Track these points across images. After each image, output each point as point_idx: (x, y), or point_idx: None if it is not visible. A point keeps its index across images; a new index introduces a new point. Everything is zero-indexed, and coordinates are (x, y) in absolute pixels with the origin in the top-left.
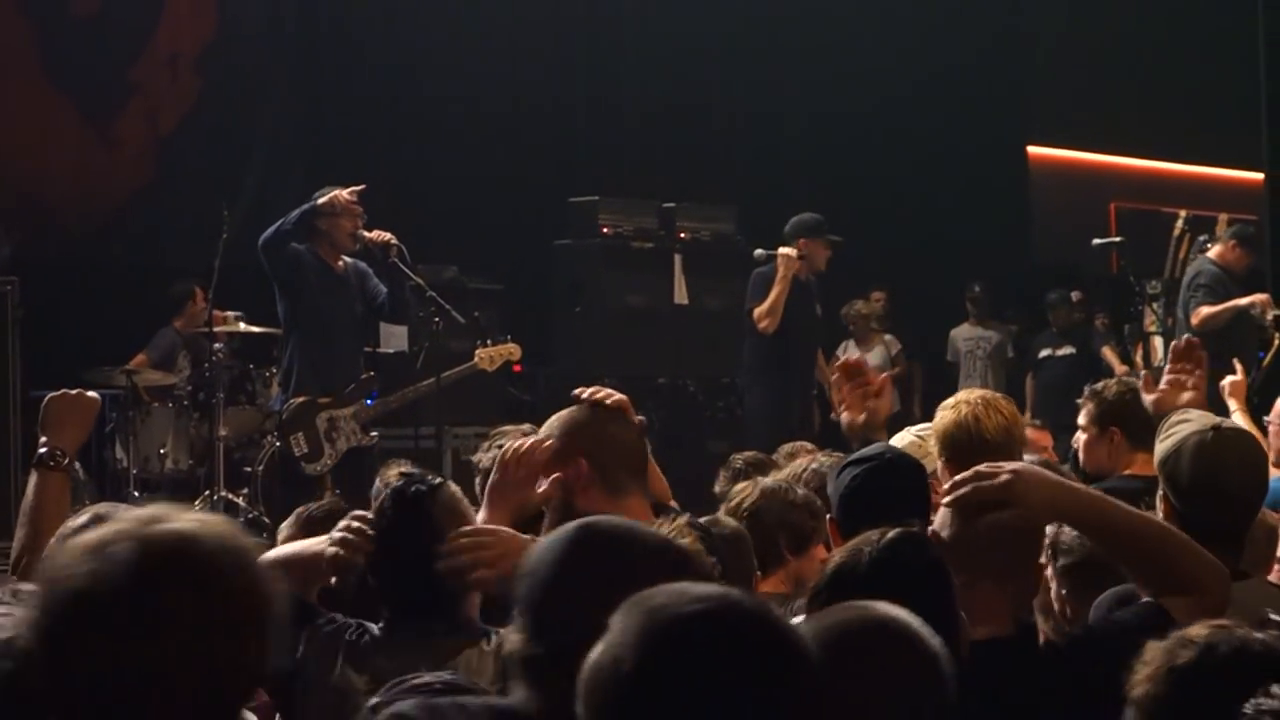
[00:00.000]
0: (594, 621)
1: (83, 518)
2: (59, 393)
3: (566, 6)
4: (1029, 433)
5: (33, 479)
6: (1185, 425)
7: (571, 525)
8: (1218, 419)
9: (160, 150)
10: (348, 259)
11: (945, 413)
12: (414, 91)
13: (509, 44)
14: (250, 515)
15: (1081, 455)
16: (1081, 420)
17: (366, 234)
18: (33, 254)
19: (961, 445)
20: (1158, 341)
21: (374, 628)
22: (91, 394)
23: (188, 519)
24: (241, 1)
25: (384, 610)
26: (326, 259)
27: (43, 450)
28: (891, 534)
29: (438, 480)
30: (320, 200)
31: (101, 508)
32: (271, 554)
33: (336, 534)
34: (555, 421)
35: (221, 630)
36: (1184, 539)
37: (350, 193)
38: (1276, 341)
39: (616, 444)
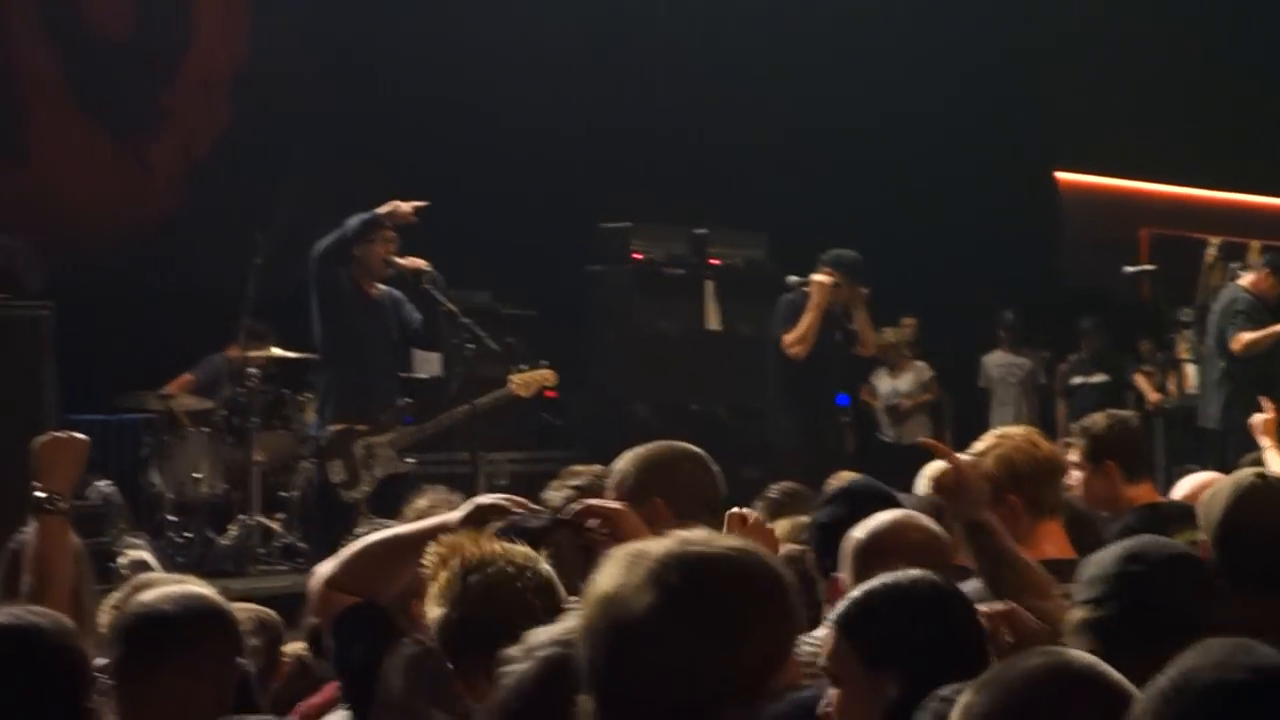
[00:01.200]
0: None
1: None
2: (48, 436)
3: (599, 33)
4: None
5: (33, 526)
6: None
7: None
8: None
9: (193, 175)
10: (381, 286)
11: (980, 445)
12: (446, 116)
13: (541, 69)
14: (285, 541)
15: (1080, 491)
16: (1074, 457)
17: (400, 260)
18: (67, 280)
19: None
20: (1190, 369)
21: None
22: (80, 435)
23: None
24: (274, 25)
25: None
26: (362, 285)
27: (39, 495)
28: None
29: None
30: (381, 211)
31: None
32: (368, 539)
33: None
34: (630, 459)
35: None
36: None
37: (413, 207)
38: None
39: (691, 482)
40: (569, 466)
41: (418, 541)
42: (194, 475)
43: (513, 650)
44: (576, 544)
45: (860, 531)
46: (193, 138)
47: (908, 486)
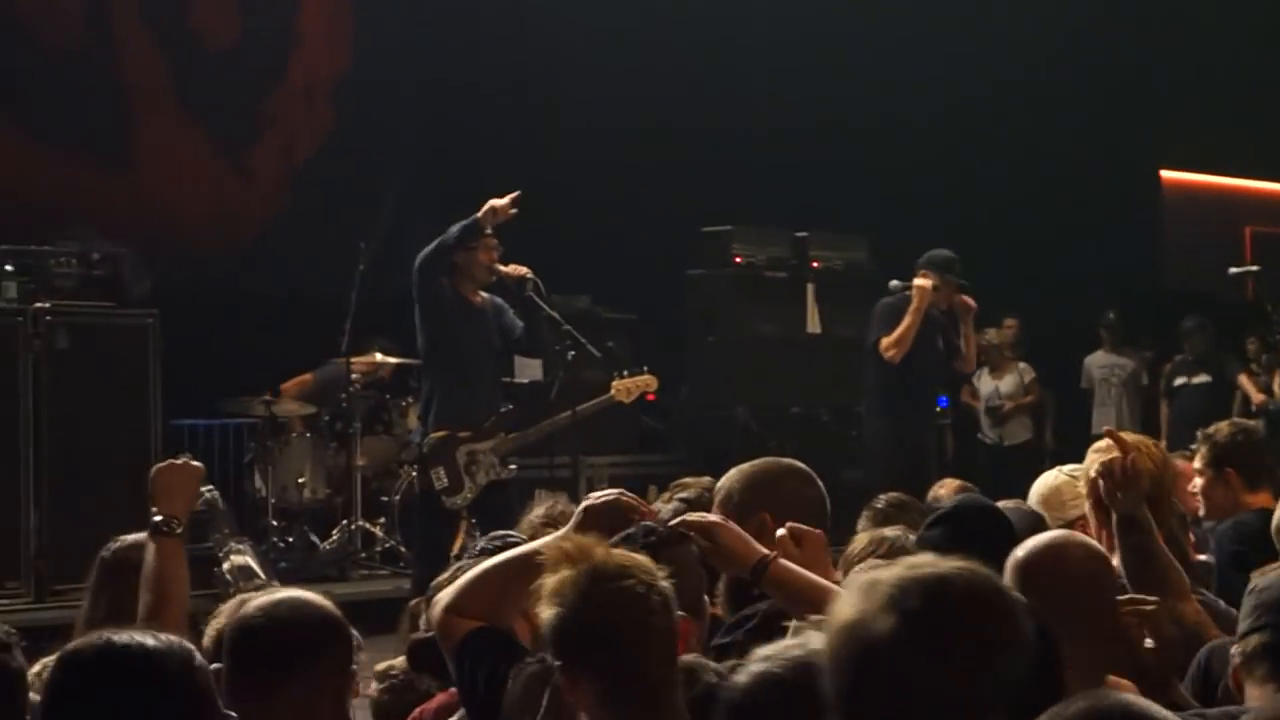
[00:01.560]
0: None
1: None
2: (165, 463)
3: (701, 37)
4: (1179, 464)
5: (150, 547)
6: None
7: None
8: None
9: (295, 181)
10: (484, 293)
11: (1094, 455)
12: (544, 121)
13: (641, 72)
14: (387, 545)
15: (1200, 498)
16: (1196, 464)
17: (502, 268)
18: (171, 286)
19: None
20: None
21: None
22: (196, 462)
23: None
24: (376, 32)
25: None
26: (464, 293)
27: (157, 519)
28: None
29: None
30: (480, 215)
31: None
32: (484, 565)
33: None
34: (735, 475)
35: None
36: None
37: (509, 200)
38: None
39: (796, 498)
40: (678, 479)
41: (535, 564)
42: (297, 480)
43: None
44: (698, 559)
45: (1022, 551)
46: (294, 143)
47: (1009, 488)
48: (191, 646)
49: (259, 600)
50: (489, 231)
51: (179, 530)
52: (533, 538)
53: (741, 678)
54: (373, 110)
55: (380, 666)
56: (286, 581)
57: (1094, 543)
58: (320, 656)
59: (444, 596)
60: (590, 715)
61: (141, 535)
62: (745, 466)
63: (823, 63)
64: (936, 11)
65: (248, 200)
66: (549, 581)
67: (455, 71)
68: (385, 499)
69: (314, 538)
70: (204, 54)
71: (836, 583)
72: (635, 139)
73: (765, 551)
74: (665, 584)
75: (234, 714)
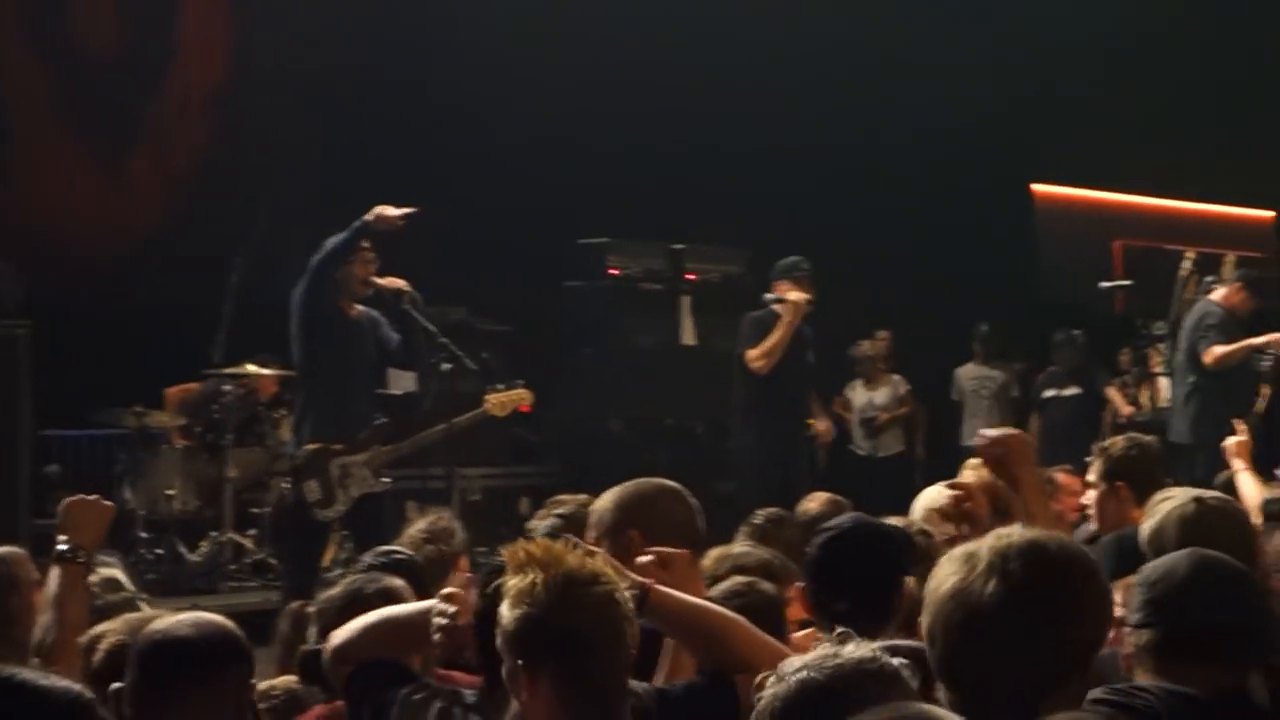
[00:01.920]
0: None
1: None
2: (77, 498)
3: (580, 50)
4: (1060, 478)
5: (54, 573)
6: (1167, 502)
7: None
8: (1198, 491)
9: (172, 192)
10: (360, 306)
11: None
12: (425, 134)
13: (520, 87)
14: (257, 558)
15: (1092, 511)
16: (1091, 476)
17: (379, 280)
18: (44, 295)
19: None
20: (1163, 382)
21: (467, 694)
22: (108, 503)
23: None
24: (254, 44)
25: (482, 677)
26: (341, 305)
27: (63, 547)
28: None
29: None
30: (368, 217)
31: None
32: (375, 616)
33: (439, 619)
34: (609, 496)
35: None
36: (741, 626)
37: (400, 213)
38: (1265, 392)
39: (666, 517)
40: (555, 494)
41: (423, 624)
42: (167, 492)
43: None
44: None
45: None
46: (172, 155)
47: (882, 501)
48: (86, 691)
49: (169, 618)
50: (365, 245)
51: (82, 560)
52: (415, 550)
53: (781, 686)
54: (250, 121)
55: (261, 686)
56: (154, 594)
57: (1073, 541)
58: (227, 672)
59: (337, 637)
60: (545, 717)
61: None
62: (620, 487)
63: (699, 76)
64: (811, 27)
65: (124, 212)
66: (514, 582)
67: (333, 84)
68: (256, 511)
69: (183, 550)
70: (83, 65)
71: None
72: (513, 150)
73: (642, 581)
74: (627, 594)
75: None
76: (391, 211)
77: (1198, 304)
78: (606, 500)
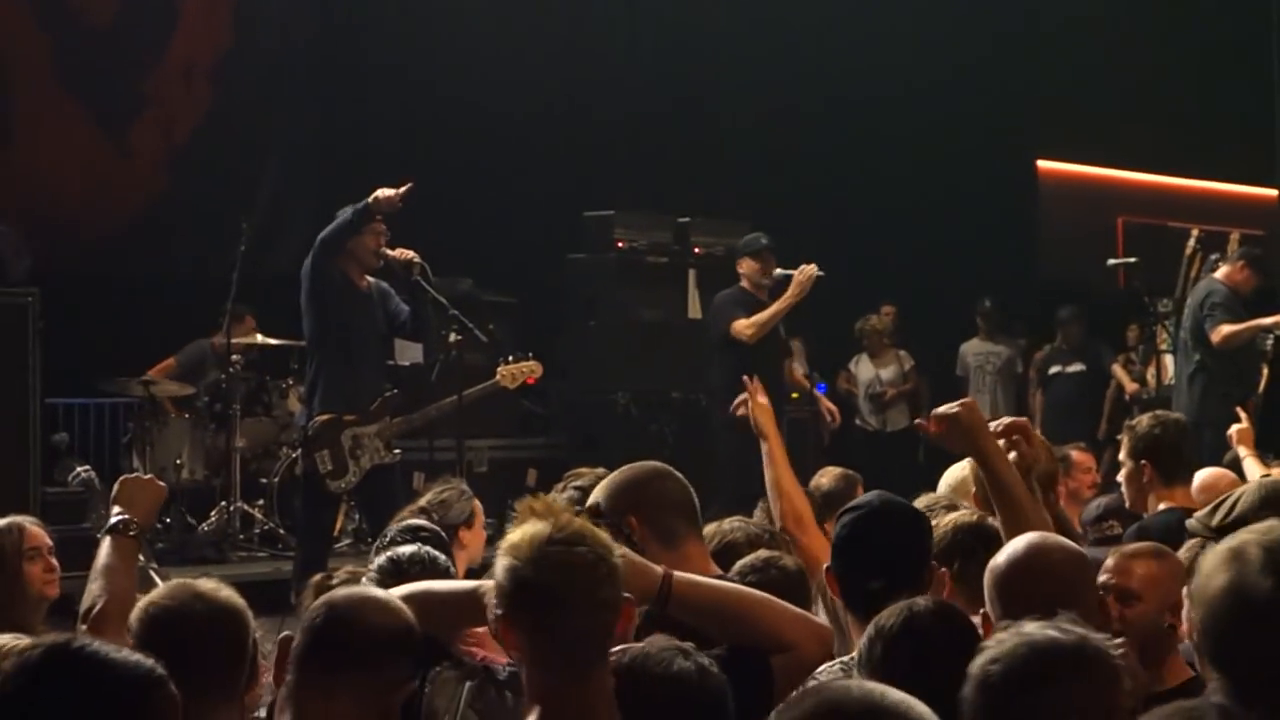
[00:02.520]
0: None
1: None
2: (133, 475)
3: (584, 21)
4: (1074, 455)
5: (106, 543)
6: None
7: None
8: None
9: (175, 161)
10: (370, 278)
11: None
12: (429, 103)
13: (526, 57)
14: (265, 527)
15: (1124, 489)
16: (1121, 455)
17: (390, 252)
18: (50, 265)
19: None
20: (1169, 360)
21: (500, 670)
22: (161, 483)
23: None
24: (257, 11)
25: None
26: (352, 277)
27: (116, 520)
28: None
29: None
30: (370, 200)
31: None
32: (413, 588)
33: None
34: (600, 487)
35: None
36: (771, 604)
37: (399, 193)
38: (1266, 371)
39: (661, 496)
40: (573, 468)
41: (467, 604)
42: (175, 461)
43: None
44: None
45: (1002, 558)
46: (174, 124)
47: (891, 476)
48: (158, 668)
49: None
50: (376, 216)
51: (134, 534)
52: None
53: (1003, 648)
54: (253, 90)
55: None
56: (164, 563)
57: (1071, 544)
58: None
59: None
60: (523, 670)
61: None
62: (611, 475)
63: (707, 50)
64: (817, 1)
65: (127, 179)
66: (512, 533)
67: (337, 50)
68: (264, 481)
69: (192, 519)
70: (83, 32)
71: (716, 576)
72: (519, 122)
73: (661, 571)
74: (618, 560)
75: None
76: (390, 192)
77: (1201, 282)
78: (598, 492)
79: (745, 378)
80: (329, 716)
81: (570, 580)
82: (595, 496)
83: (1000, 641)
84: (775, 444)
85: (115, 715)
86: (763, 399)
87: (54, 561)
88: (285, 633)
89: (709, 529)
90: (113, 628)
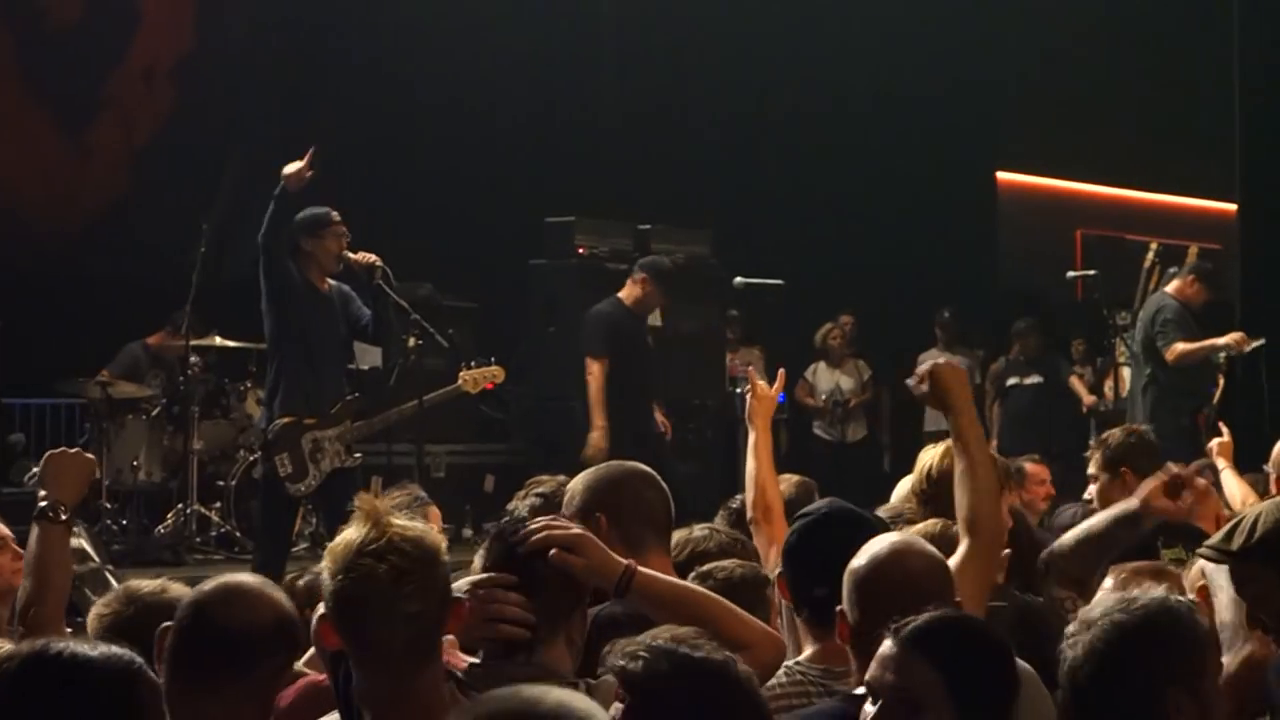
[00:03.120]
0: None
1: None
2: (58, 450)
3: (550, 28)
4: (1028, 467)
5: (35, 532)
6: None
7: None
8: None
9: (135, 162)
10: (332, 280)
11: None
12: (391, 108)
13: (488, 63)
14: (222, 529)
15: (1097, 503)
16: (1091, 470)
17: (352, 255)
18: (8, 264)
19: None
20: (1126, 372)
21: (456, 671)
22: (88, 454)
23: None
24: (219, 15)
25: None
26: (312, 279)
27: (43, 504)
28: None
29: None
30: (284, 184)
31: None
32: None
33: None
34: (580, 477)
35: None
36: (729, 605)
37: (305, 165)
38: (1222, 384)
39: (636, 499)
40: (533, 476)
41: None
42: (133, 463)
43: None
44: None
45: (862, 559)
46: (135, 124)
47: (852, 486)
48: (136, 657)
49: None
50: (337, 219)
51: (64, 517)
52: None
53: (1090, 632)
54: (214, 91)
55: None
56: (120, 565)
57: (934, 550)
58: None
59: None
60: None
61: None
62: (592, 469)
63: (669, 57)
64: (781, 11)
65: (87, 180)
66: (340, 534)
67: (299, 54)
68: (221, 483)
69: (148, 521)
70: (46, 32)
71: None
72: (482, 128)
73: (625, 562)
74: (437, 565)
75: None
76: (295, 167)
77: (1153, 296)
78: (577, 482)
79: (749, 369)
80: (201, 715)
81: (369, 595)
82: (572, 487)
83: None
84: (763, 437)
85: (103, 713)
86: (764, 390)
87: (20, 550)
88: (164, 624)
89: (679, 534)
90: (54, 628)
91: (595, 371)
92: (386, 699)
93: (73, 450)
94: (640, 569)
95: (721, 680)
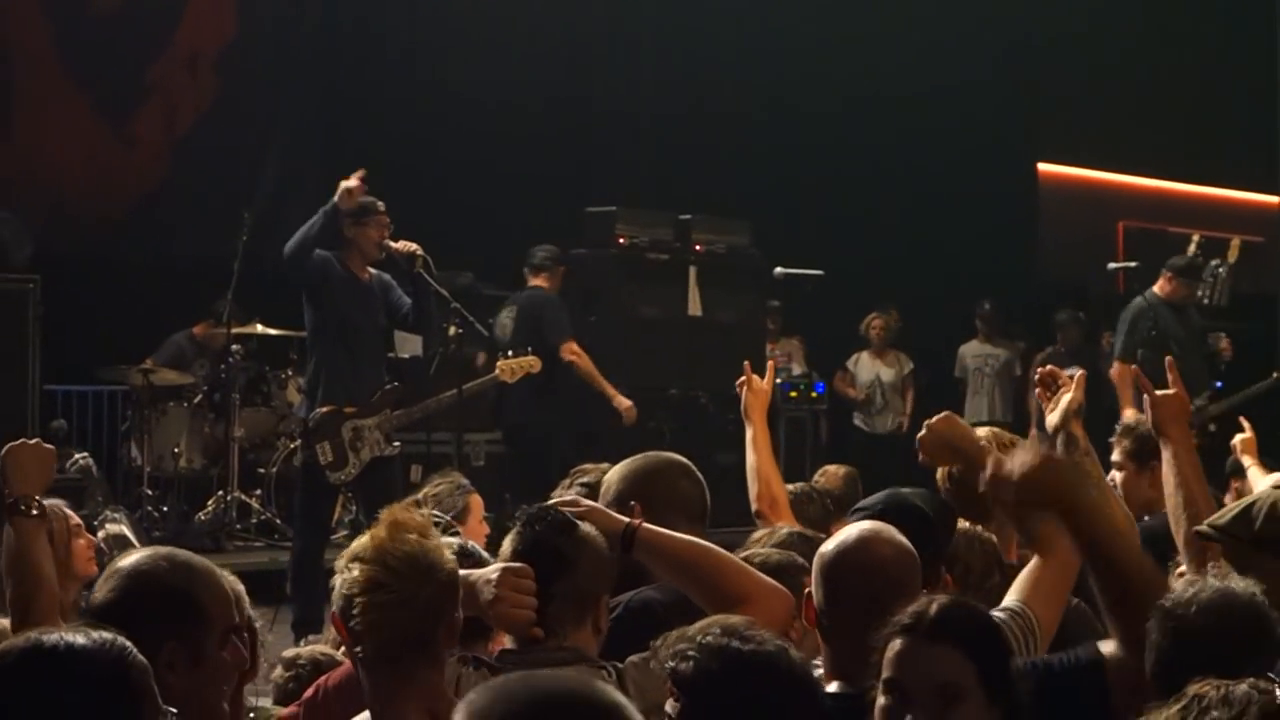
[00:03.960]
0: None
1: None
2: (18, 442)
3: (587, 17)
4: None
5: (7, 531)
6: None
7: None
8: None
9: (177, 150)
10: (372, 269)
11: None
12: (433, 96)
13: (529, 52)
14: (262, 517)
15: (1121, 492)
16: (1116, 457)
17: (393, 244)
18: (51, 251)
19: None
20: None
21: (488, 657)
22: (47, 445)
23: None
24: (261, 4)
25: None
26: (353, 269)
27: (12, 500)
28: None
29: (569, 519)
30: (336, 199)
31: None
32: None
33: (508, 597)
34: (618, 467)
35: None
36: (733, 559)
37: (357, 179)
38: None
39: (670, 490)
40: (579, 465)
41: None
42: (173, 450)
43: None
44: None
45: (831, 545)
46: (177, 112)
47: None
48: (127, 643)
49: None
50: (381, 208)
51: (35, 511)
52: None
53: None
54: (256, 80)
55: (288, 654)
56: None
57: (902, 539)
58: None
59: None
60: None
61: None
62: (630, 459)
63: (710, 48)
64: (819, 4)
65: (129, 168)
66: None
67: (342, 42)
68: (262, 471)
69: (188, 508)
70: (88, 19)
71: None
72: (522, 116)
73: (627, 520)
74: (441, 579)
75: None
76: (351, 183)
77: (1135, 300)
78: (614, 473)
79: (746, 363)
80: None
81: (350, 599)
82: (609, 478)
83: None
84: (760, 430)
85: (97, 700)
86: (758, 384)
87: (91, 537)
88: None
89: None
90: (51, 620)
91: (578, 350)
92: (378, 696)
93: (32, 441)
94: (644, 525)
95: (773, 673)
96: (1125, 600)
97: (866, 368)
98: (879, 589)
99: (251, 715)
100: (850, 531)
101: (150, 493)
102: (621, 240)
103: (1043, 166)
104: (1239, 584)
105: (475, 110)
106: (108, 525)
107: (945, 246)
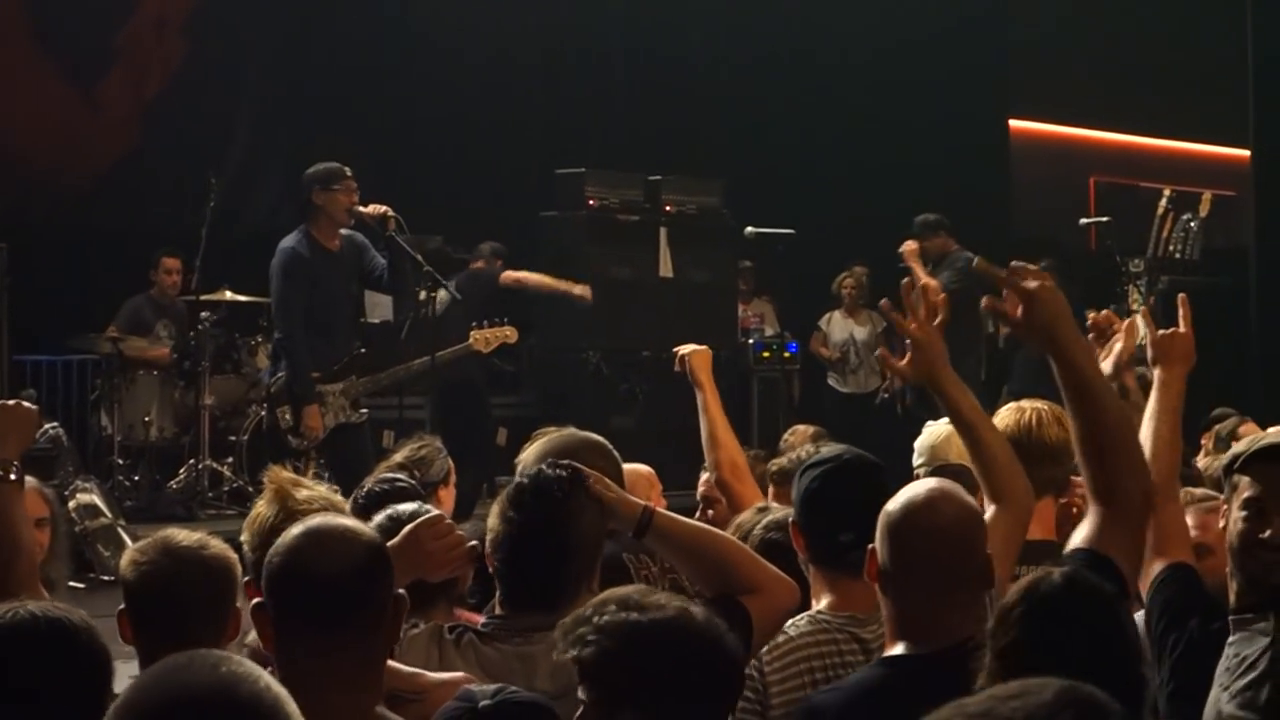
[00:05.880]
0: None
1: None
2: None
3: None
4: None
5: None
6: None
7: None
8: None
9: (145, 115)
10: (345, 231)
11: (1006, 414)
12: (401, 59)
13: (497, 15)
14: (234, 485)
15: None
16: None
17: (362, 209)
18: (17, 219)
19: (1020, 447)
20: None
21: (479, 622)
22: (29, 405)
23: None
24: None
25: (500, 601)
26: (321, 239)
27: None
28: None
29: (575, 473)
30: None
31: None
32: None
33: (435, 547)
34: (532, 449)
35: None
36: (744, 549)
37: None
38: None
39: None
40: (540, 426)
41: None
42: (144, 419)
43: None
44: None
45: (897, 504)
46: (145, 78)
47: (862, 435)
48: (86, 616)
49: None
50: (349, 174)
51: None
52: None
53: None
54: (225, 44)
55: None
56: (132, 520)
57: (969, 498)
58: None
59: None
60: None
61: None
62: (544, 439)
63: (680, 8)
64: None
65: (97, 134)
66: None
67: (310, 6)
68: (233, 439)
69: (159, 477)
70: None
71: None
72: (491, 79)
73: (644, 503)
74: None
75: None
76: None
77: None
78: (530, 453)
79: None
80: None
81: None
82: (526, 455)
83: None
84: (710, 393)
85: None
86: (697, 345)
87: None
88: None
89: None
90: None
91: (517, 273)
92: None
93: (12, 402)
94: (659, 511)
95: (677, 638)
96: (1104, 452)
97: (840, 327)
98: (945, 551)
99: None
100: (918, 490)
101: (121, 462)
102: (591, 202)
103: (1014, 123)
104: None
105: (444, 73)
106: (79, 494)
107: (918, 203)
